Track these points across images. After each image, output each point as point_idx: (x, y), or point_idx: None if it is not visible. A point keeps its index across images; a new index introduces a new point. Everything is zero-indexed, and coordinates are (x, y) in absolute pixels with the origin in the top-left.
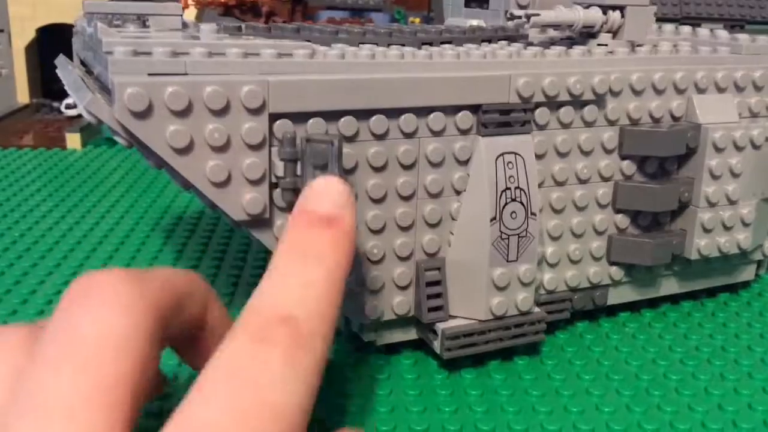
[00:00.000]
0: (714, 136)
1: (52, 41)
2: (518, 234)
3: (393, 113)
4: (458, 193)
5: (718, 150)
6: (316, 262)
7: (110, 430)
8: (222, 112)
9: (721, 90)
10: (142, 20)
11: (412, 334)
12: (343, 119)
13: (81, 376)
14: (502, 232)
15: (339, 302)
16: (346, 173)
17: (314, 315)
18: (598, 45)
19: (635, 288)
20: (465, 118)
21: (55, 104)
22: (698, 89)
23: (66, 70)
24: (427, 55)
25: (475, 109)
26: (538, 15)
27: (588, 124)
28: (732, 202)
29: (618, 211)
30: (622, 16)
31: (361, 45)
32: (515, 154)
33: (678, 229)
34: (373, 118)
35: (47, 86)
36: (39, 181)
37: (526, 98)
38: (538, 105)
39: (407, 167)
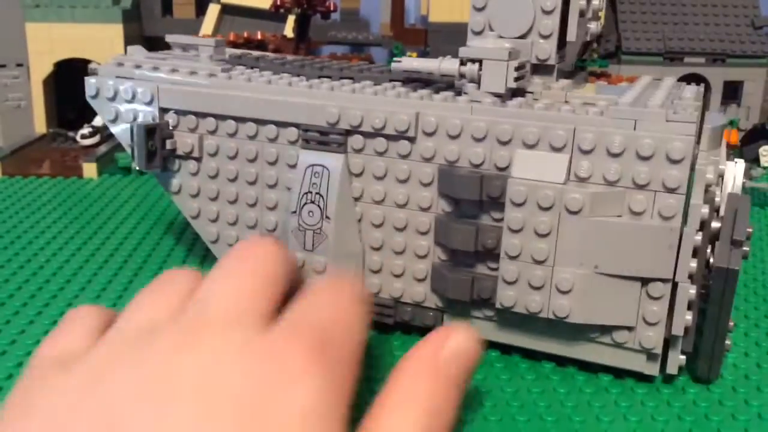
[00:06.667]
0: (511, 189)
1: (68, 74)
2: (314, 230)
3: (241, 120)
4: (290, 189)
5: (516, 204)
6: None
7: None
8: (131, 101)
9: (556, 149)
10: (196, 47)
11: None
12: (207, 118)
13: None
14: (299, 225)
15: None
16: (211, 157)
17: None
18: (464, 93)
19: (493, 327)
20: (292, 133)
21: (71, 134)
22: (525, 144)
23: None
24: (287, 83)
25: (299, 126)
26: (399, 62)
27: (403, 157)
28: (539, 262)
29: (437, 243)
30: (480, 69)
31: (282, 74)
32: (323, 167)
33: (496, 275)
34: (225, 120)
35: (62, 116)
36: (60, 209)
37: (332, 124)
38: (350, 132)
39: (251, 161)
